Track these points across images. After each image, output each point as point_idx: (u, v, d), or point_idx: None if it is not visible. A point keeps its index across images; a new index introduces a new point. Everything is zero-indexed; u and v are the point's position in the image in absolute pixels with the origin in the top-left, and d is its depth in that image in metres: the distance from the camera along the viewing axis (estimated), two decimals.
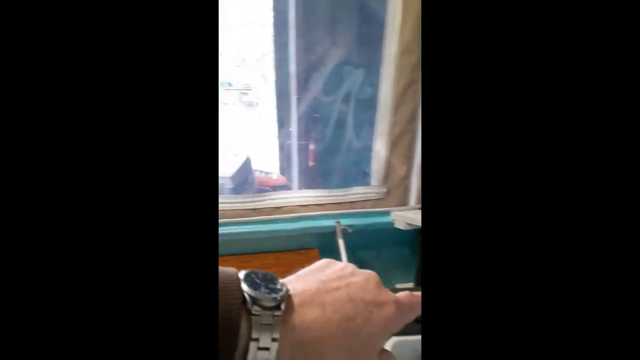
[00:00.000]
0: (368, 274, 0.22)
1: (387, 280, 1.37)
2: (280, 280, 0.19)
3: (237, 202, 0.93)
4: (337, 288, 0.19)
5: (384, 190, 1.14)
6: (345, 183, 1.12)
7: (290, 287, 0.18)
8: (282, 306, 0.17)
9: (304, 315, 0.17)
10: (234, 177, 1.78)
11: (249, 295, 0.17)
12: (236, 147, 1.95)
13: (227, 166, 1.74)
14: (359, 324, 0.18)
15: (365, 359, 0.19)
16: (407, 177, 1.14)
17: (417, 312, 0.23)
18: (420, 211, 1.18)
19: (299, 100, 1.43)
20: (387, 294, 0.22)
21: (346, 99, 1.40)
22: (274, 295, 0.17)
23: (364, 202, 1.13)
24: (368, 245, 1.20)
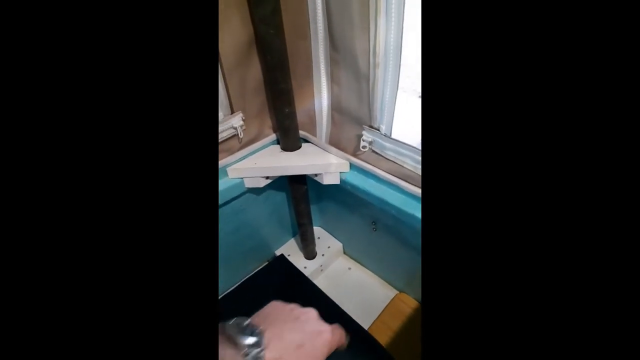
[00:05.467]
0: (309, 311, 0.28)
1: (268, 247, 0.93)
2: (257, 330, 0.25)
3: None
4: (291, 328, 0.26)
5: (235, 123, 0.60)
6: None
7: (265, 335, 0.25)
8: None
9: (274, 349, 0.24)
10: None
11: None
12: None
13: None
14: (307, 349, 0.25)
15: None
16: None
17: (344, 341, 0.29)
18: (278, 147, 0.67)
19: None
20: (323, 325, 0.28)
21: None
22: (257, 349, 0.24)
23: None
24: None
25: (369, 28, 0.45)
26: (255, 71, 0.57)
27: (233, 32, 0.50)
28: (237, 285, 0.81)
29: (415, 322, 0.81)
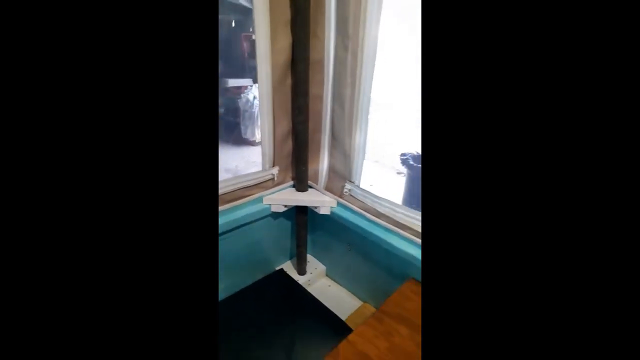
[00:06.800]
0: None
1: (269, 263, 1.32)
2: None
3: None
4: None
5: (274, 172, 1.04)
6: None
7: None
8: None
9: None
10: None
11: None
12: None
13: None
14: None
15: None
16: (288, 156, 1.07)
17: None
18: (294, 189, 1.09)
19: None
20: None
21: None
22: None
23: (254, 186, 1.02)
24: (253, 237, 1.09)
25: (351, 134, 0.93)
26: (289, 146, 1.03)
27: (282, 126, 0.97)
28: (244, 287, 1.11)
29: None
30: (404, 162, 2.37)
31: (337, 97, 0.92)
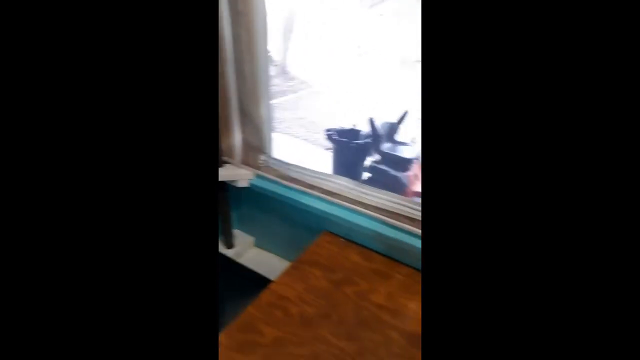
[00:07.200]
0: None
1: None
2: None
3: None
4: None
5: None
6: None
7: None
8: None
9: None
10: None
11: None
12: None
13: None
14: None
15: None
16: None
17: None
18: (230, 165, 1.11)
19: None
20: None
21: None
22: None
23: None
24: None
25: (258, 108, 0.99)
26: None
27: None
28: None
29: None
30: (329, 137, 2.52)
31: (240, 73, 0.96)
